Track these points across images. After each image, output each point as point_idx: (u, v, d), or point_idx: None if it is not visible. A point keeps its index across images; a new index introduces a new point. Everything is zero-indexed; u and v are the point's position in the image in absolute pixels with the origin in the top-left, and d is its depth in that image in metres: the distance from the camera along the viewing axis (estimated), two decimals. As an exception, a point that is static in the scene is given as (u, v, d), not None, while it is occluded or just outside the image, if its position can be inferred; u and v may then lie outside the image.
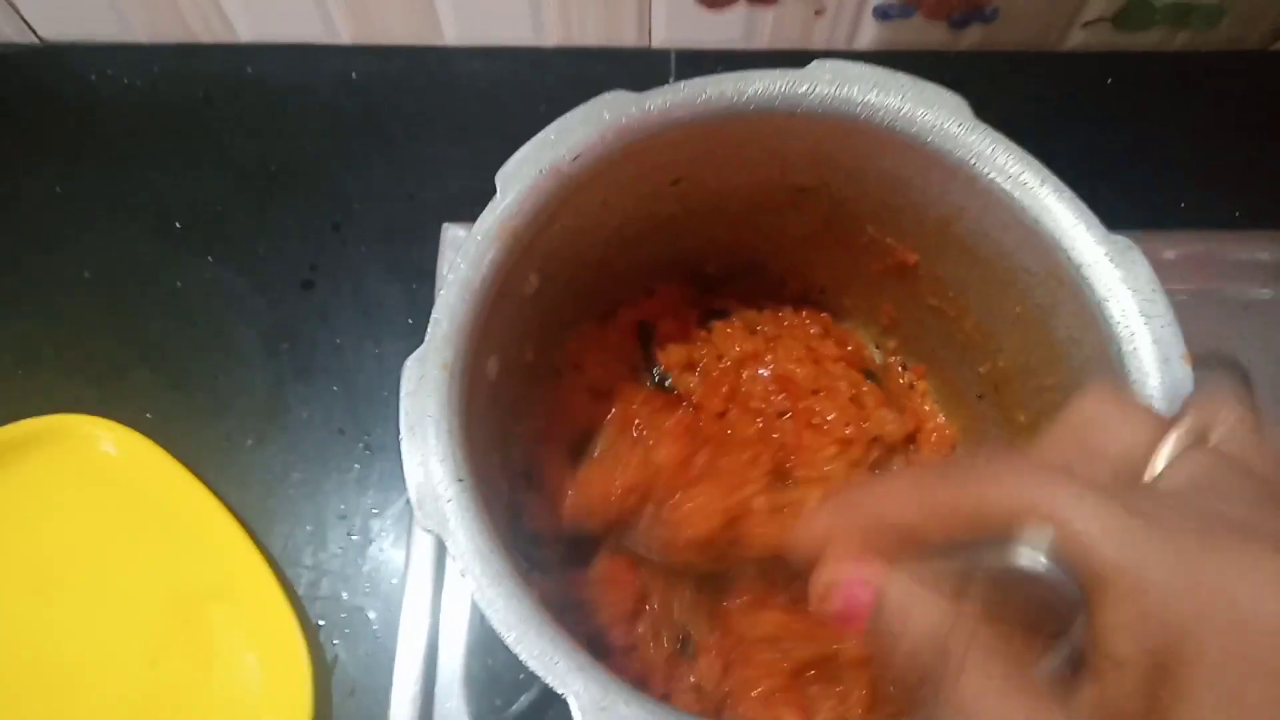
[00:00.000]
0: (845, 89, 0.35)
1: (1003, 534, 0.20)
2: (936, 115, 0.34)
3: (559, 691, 0.28)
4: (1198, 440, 0.22)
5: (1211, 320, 0.54)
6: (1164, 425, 0.23)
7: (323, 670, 0.49)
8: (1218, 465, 0.22)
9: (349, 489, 0.54)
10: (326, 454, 0.54)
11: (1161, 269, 0.54)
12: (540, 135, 0.34)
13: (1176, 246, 0.56)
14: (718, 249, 0.43)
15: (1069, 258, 0.33)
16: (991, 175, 0.34)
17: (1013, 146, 0.34)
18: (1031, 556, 0.20)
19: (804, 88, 0.35)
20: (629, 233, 0.40)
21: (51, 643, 0.49)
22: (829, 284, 0.45)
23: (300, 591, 0.51)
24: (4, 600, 0.49)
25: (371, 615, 0.50)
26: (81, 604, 0.49)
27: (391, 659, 0.47)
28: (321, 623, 0.50)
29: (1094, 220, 0.33)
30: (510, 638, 0.29)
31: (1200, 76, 0.64)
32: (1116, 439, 0.23)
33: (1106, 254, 0.32)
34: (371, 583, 0.51)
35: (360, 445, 0.55)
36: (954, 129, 0.34)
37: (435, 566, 0.48)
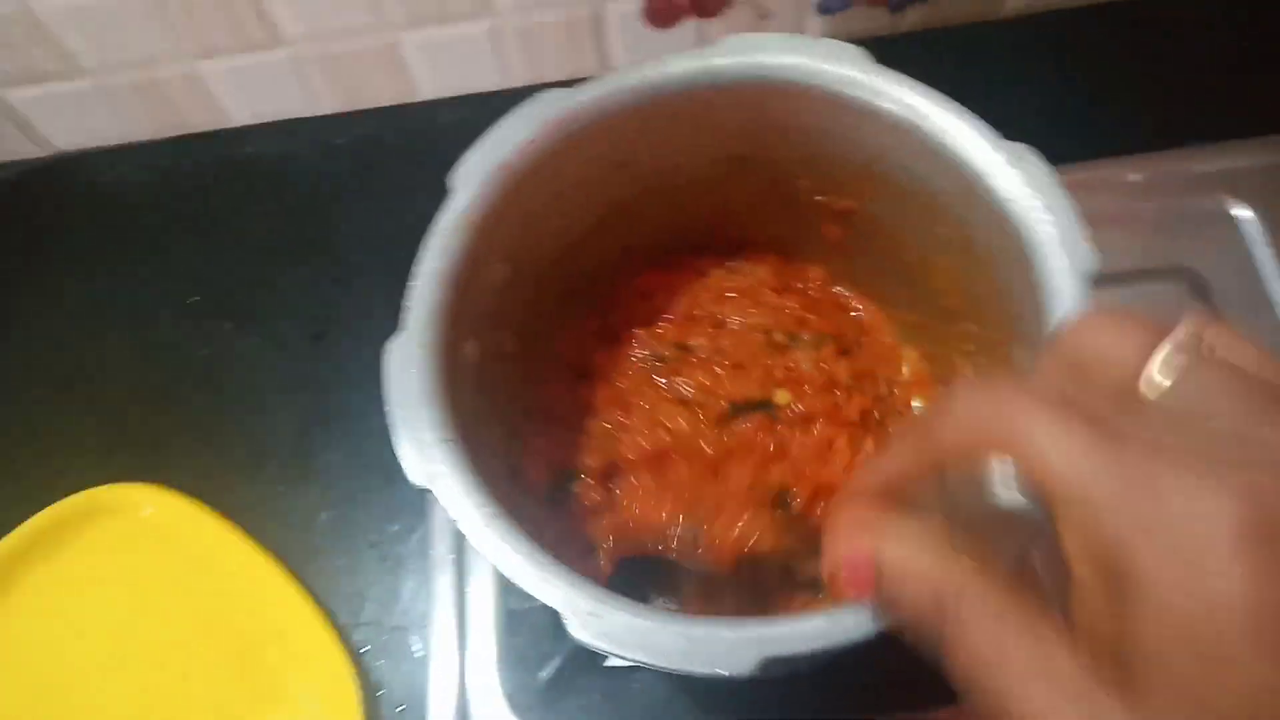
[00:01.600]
0: (756, 56, 0.39)
1: (980, 468, 0.21)
2: (839, 66, 0.38)
3: (552, 605, 0.31)
4: (1202, 352, 0.21)
5: (1173, 235, 0.56)
6: (1154, 339, 0.22)
7: (370, 694, 0.52)
8: (1221, 377, 0.21)
9: (376, 519, 0.57)
10: (352, 489, 0.58)
11: (1127, 191, 0.57)
12: (484, 137, 0.38)
13: (1139, 169, 0.59)
14: (675, 228, 0.46)
15: (973, 169, 0.36)
16: (896, 110, 0.38)
17: (912, 81, 0.38)
18: (1007, 487, 0.21)
19: (718, 61, 0.39)
20: (588, 221, 0.43)
21: (120, 709, 0.52)
22: (787, 244, 0.48)
23: (342, 620, 0.54)
24: (70, 676, 0.53)
25: (409, 634, 0.53)
26: (143, 665, 0.53)
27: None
28: (366, 648, 0.53)
29: (991, 132, 0.36)
30: (506, 570, 0.32)
31: (1141, 19, 0.67)
32: (1106, 360, 0.22)
33: (1005, 159, 0.36)
34: (405, 603, 0.54)
35: (381, 478, 0.58)
36: (857, 75, 0.38)
37: (456, 575, 0.51)
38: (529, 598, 0.50)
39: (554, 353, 0.47)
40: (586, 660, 0.48)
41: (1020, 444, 0.20)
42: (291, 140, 0.69)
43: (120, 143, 0.69)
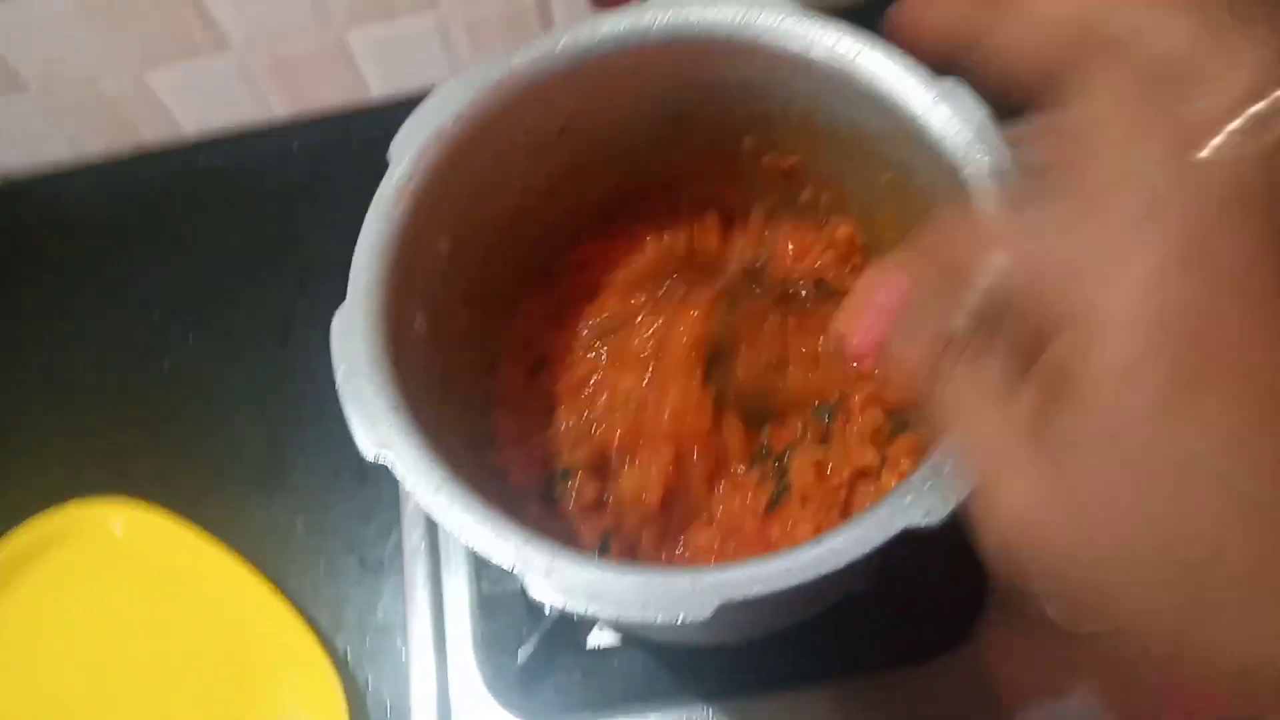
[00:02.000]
0: (682, 13, 0.39)
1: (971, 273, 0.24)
2: (767, 16, 0.38)
3: (506, 566, 0.31)
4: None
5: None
6: None
7: (356, 697, 0.51)
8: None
9: (352, 521, 0.57)
10: (326, 492, 0.58)
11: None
12: (421, 107, 0.38)
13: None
14: (620, 194, 0.46)
15: (907, 109, 0.36)
16: (826, 57, 0.38)
17: (841, 25, 0.38)
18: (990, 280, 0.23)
19: (646, 20, 0.39)
20: (532, 190, 0.43)
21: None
22: (734, 206, 0.48)
23: (324, 625, 0.54)
24: (51, 699, 0.52)
25: (393, 635, 0.53)
26: (126, 683, 0.52)
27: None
28: (349, 650, 0.53)
29: (921, 70, 0.36)
30: (458, 532, 0.31)
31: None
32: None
33: (935, 96, 0.36)
34: (387, 603, 0.54)
35: (355, 477, 0.58)
36: (785, 24, 0.38)
37: (430, 565, 0.51)
38: (502, 580, 0.51)
39: (508, 337, 0.47)
40: (564, 640, 0.48)
41: (995, 247, 0.23)
42: (246, 148, 0.69)
43: (73, 160, 0.69)
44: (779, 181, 0.45)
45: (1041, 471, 0.22)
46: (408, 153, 0.37)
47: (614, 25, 0.39)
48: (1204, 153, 0.21)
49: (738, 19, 0.38)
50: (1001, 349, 0.24)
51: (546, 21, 0.64)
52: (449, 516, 0.32)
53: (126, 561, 0.54)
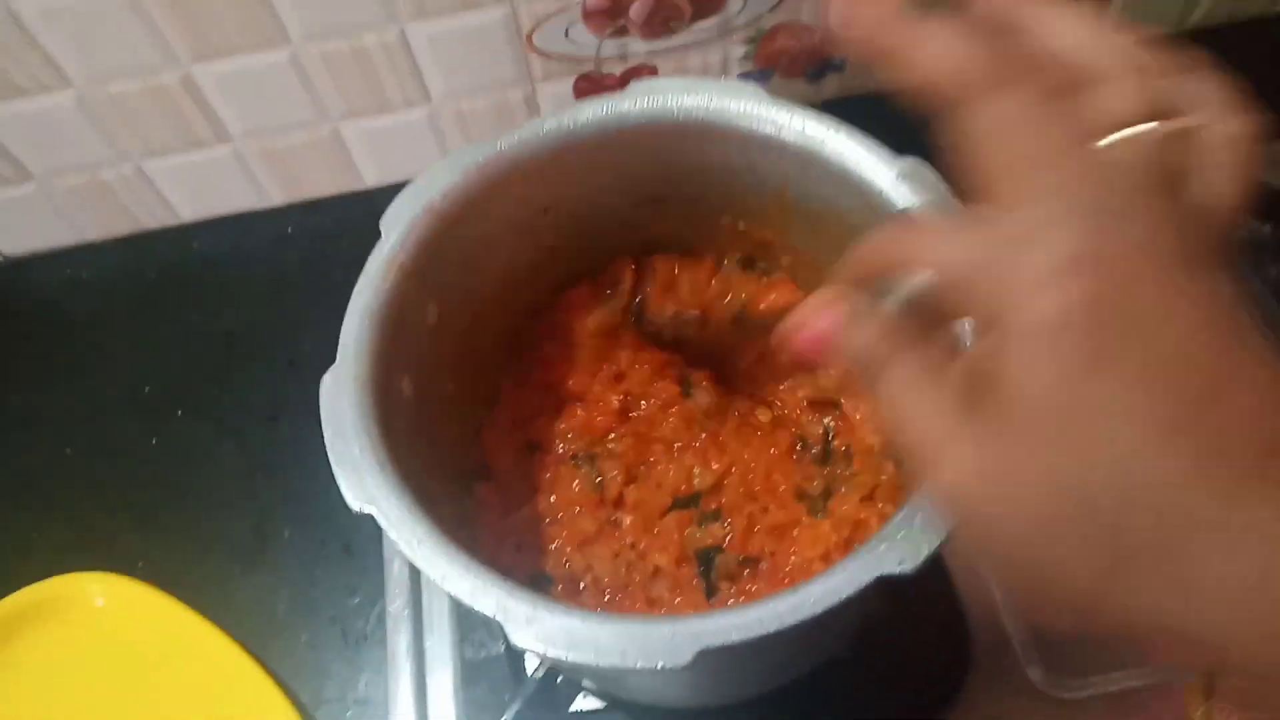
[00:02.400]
0: (660, 99, 0.41)
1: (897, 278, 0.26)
2: (739, 102, 0.41)
3: (489, 614, 0.31)
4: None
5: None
6: None
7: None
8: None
9: (337, 594, 0.57)
10: (311, 566, 0.58)
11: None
12: (412, 184, 0.40)
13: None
14: (602, 270, 0.48)
15: (872, 186, 0.39)
16: (797, 139, 0.40)
17: (807, 110, 0.40)
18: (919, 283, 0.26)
19: (625, 105, 0.41)
20: (518, 265, 0.45)
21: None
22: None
23: (304, 700, 0.54)
24: None
25: (372, 707, 0.53)
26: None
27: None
28: (329, 726, 0.53)
29: (883, 150, 0.39)
30: (443, 582, 0.32)
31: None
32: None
33: (897, 173, 0.38)
34: (369, 676, 0.54)
35: (341, 551, 0.59)
36: (756, 109, 0.41)
37: (413, 631, 0.51)
38: (485, 645, 0.51)
39: (496, 415, 0.49)
40: (546, 705, 0.48)
41: (922, 256, 0.25)
42: (241, 233, 0.71)
43: (70, 244, 0.71)
44: (753, 253, 0.47)
45: (970, 447, 0.23)
46: (398, 226, 0.39)
47: (595, 110, 0.41)
48: (1102, 143, 0.24)
49: (713, 104, 0.41)
50: (932, 342, 0.26)
51: (534, 114, 0.68)
52: (433, 567, 0.32)
53: (108, 633, 0.54)
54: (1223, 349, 0.21)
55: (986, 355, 0.23)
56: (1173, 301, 0.21)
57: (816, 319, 0.28)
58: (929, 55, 0.25)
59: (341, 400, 0.36)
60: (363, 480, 0.34)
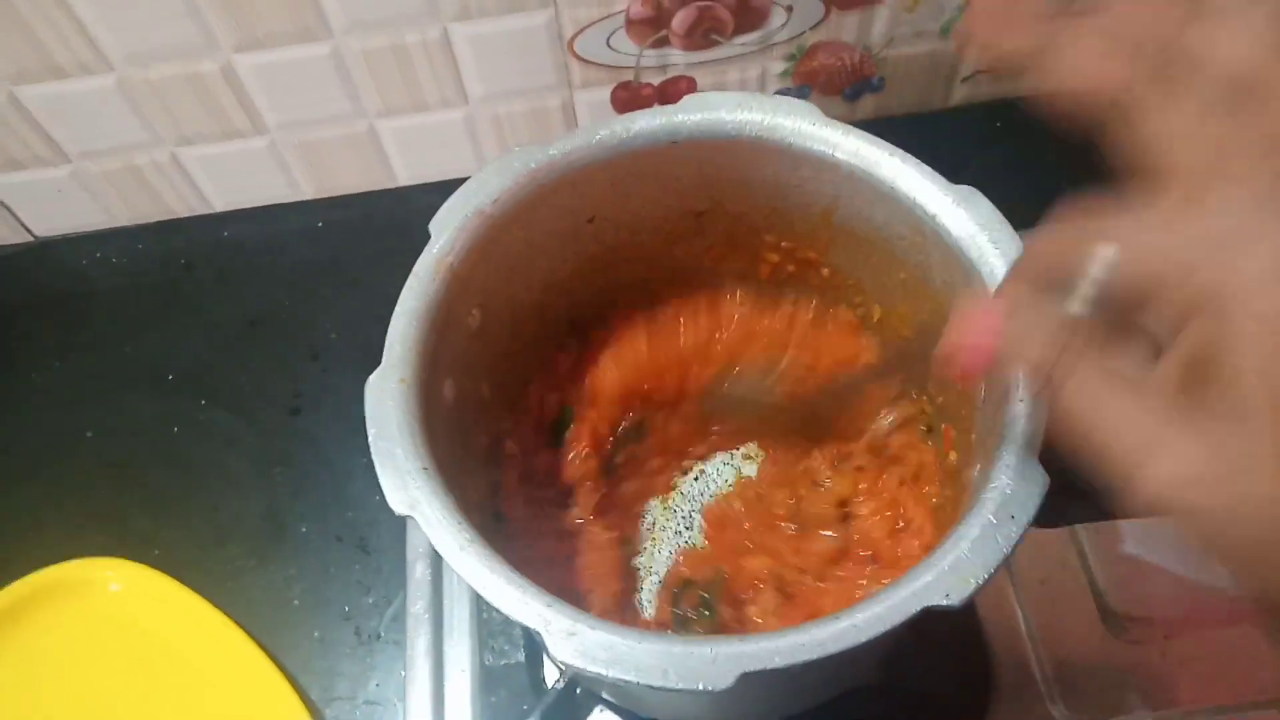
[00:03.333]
0: (714, 112, 0.41)
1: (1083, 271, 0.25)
2: (794, 120, 0.41)
3: (529, 626, 0.31)
4: None
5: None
6: None
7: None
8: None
9: (351, 591, 0.57)
10: (326, 562, 0.58)
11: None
12: (463, 187, 0.40)
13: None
14: (641, 285, 0.48)
15: (925, 212, 0.39)
16: (849, 160, 0.40)
17: (862, 133, 0.40)
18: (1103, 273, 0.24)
19: (679, 117, 0.41)
20: (560, 274, 0.45)
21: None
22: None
23: (314, 696, 0.53)
24: None
25: (382, 708, 0.53)
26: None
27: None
28: (339, 722, 0.52)
29: (938, 176, 0.39)
30: (485, 591, 0.32)
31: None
32: None
33: (953, 200, 0.38)
34: (381, 676, 0.54)
35: (357, 548, 0.58)
36: (810, 128, 0.41)
37: (433, 634, 0.51)
38: (505, 653, 0.51)
39: (521, 423, 0.49)
40: (565, 717, 0.47)
41: (1120, 242, 0.24)
42: (271, 225, 0.71)
43: (100, 228, 0.70)
44: (797, 275, 0.47)
45: (1193, 445, 0.23)
46: (447, 228, 0.39)
47: (649, 121, 0.41)
48: None
49: (767, 120, 0.41)
50: (1121, 341, 0.25)
51: (570, 122, 0.67)
52: (476, 575, 0.32)
53: (121, 619, 0.54)
54: None
55: (1202, 349, 0.22)
56: None
57: (980, 327, 0.27)
58: (1080, 59, 0.24)
59: (386, 401, 0.35)
60: (405, 483, 0.34)
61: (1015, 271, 0.28)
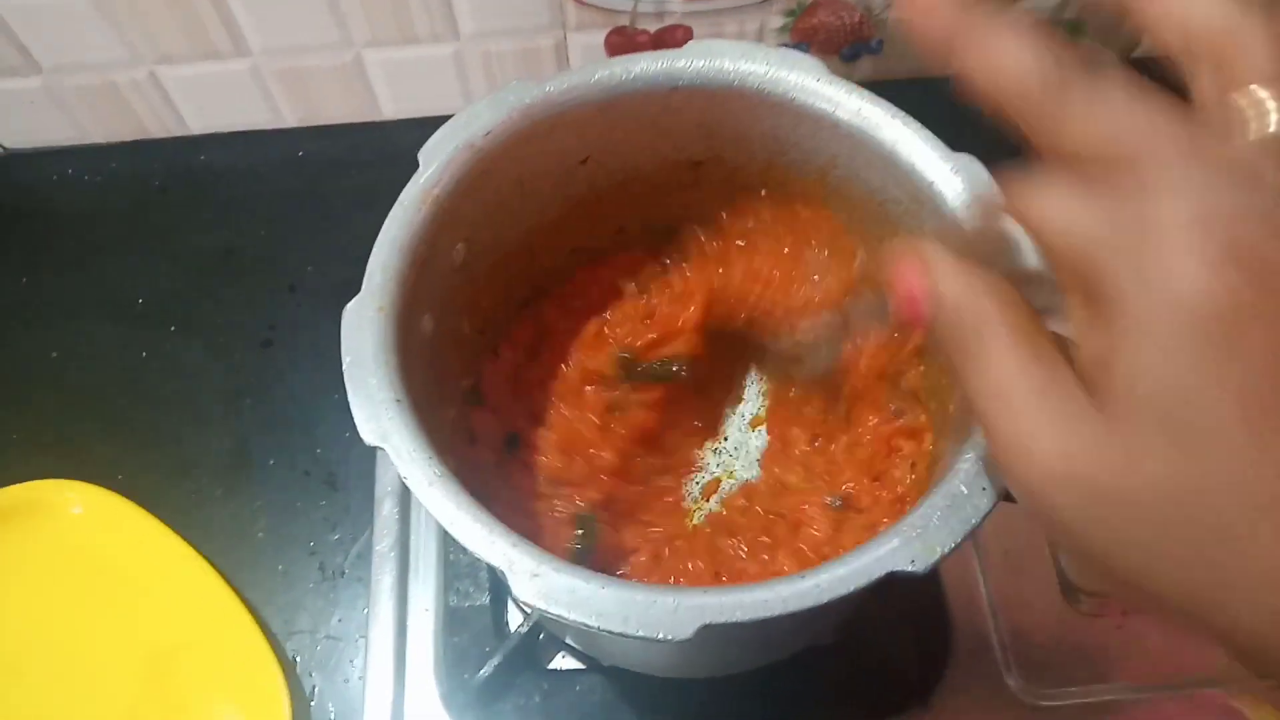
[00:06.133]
0: (717, 61, 0.40)
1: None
2: (798, 75, 0.40)
3: (495, 565, 0.31)
4: None
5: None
6: None
7: (301, 704, 0.50)
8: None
9: (317, 527, 0.56)
10: (293, 496, 0.57)
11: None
12: (455, 118, 0.39)
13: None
14: (631, 232, 0.48)
15: (923, 178, 0.38)
16: (851, 119, 0.39)
17: (866, 92, 0.39)
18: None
19: (681, 63, 0.40)
20: (549, 216, 0.44)
21: (28, 709, 0.50)
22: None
23: (275, 629, 0.53)
24: None
25: (344, 644, 0.52)
26: (56, 668, 0.51)
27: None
28: (298, 658, 0.52)
29: (939, 143, 0.38)
30: (451, 527, 0.31)
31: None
32: None
33: (952, 168, 0.37)
34: (343, 612, 0.53)
35: (325, 484, 0.58)
36: (814, 84, 0.40)
37: (398, 572, 0.51)
38: (470, 595, 0.51)
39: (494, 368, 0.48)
40: (527, 661, 0.47)
41: (1030, 212, 0.24)
42: (249, 152, 0.69)
43: (72, 143, 0.68)
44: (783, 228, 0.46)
45: (1076, 439, 0.22)
46: (436, 159, 0.38)
47: (650, 64, 0.40)
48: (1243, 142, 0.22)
49: (770, 72, 0.40)
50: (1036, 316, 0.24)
51: (562, 64, 0.66)
52: (443, 511, 0.32)
53: (82, 542, 0.53)
54: None
55: (1106, 338, 0.22)
56: None
57: (912, 273, 0.26)
58: (999, 57, 0.24)
59: (363, 329, 0.34)
60: (378, 414, 0.33)
61: (938, 232, 0.27)
